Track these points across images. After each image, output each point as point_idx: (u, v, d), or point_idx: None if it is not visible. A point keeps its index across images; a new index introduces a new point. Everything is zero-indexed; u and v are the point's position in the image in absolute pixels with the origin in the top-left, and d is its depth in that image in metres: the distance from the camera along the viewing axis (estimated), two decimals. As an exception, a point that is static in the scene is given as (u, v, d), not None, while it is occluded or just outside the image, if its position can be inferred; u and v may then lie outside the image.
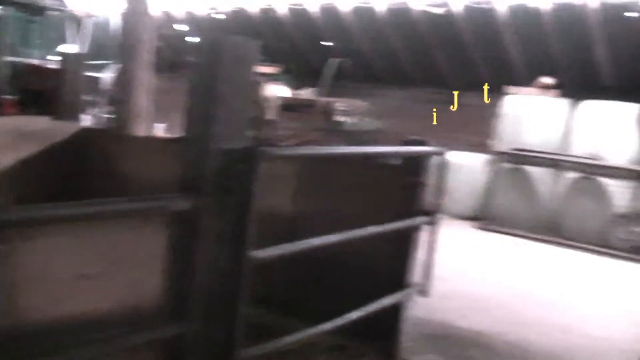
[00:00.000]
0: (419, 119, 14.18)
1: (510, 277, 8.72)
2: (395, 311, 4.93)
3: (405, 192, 4.91)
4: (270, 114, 13.95)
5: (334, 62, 14.57)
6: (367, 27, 14.23)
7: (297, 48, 15.49)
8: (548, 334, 6.69)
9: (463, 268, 8.79)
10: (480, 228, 11.82)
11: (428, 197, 5.09)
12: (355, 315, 4.26)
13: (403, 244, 4.94)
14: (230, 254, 3.38)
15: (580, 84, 12.32)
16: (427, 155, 5.00)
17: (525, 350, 6.07)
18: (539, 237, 11.34)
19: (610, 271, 9.84)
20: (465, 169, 12.51)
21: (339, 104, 13.53)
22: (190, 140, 3.37)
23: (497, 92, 12.65)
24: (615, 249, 10.79)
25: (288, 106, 13.92)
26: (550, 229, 11.59)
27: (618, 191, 11.06)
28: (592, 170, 11.30)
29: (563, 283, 8.77)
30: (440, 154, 5.04)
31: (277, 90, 14.33)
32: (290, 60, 15.73)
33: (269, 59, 15.03)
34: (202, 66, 3.34)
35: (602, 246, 10.86)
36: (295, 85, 14.88)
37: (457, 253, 9.54)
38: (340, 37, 14.69)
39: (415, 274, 5.08)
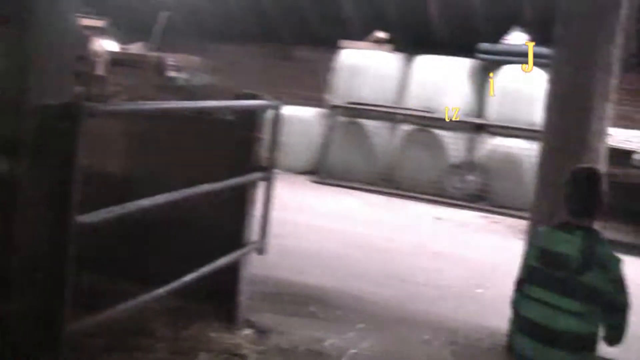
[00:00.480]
0: (254, 74, 13.93)
1: (348, 230, 8.82)
2: (233, 271, 4.84)
3: (240, 148, 4.80)
4: (99, 70, 13.42)
5: (164, 16, 14.13)
6: None
7: (125, 0, 14.91)
8: (387, 284, 6.82)
9: (301, 223, 8.80)
10: (318, 182, 11.89)
11: (263, 153, 5.01)
12: (190, 277, 4.12)
13: (239, 201, 4.84)
14: (54, 219, 3.16)
15: (414, 39, 12.48)
16: (261, 109, 4.90)
17: (364, 301, 6.14)
18: (376, 189, 11.53)
19: (446, 219, 10.12)
20: (301, 123, 12.53)
21: (171, 59, 13.17)
22: (1, 96, 3.11)
23: (331, 47, 12.66)
24: (450, 197, 11.13)
25: (117, 61, 13.41)
26: (387, 180, 11.81)
27: (452, 142, 11.38)
28: (426, 122, 11.57)
29: (401, 233, 8.95)
30: (274, 107, 4.95)
31: (106, 45, 13.77)
32: (119, 13, 15.14)
33: (95, 12, 14.40)
34: (13, 15, 3.08)
35: (438, 195, 11.17)
36: (125, 39, 14.34)
37: (295, 208, 9.56)
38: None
39: (253, 232, 5.02)
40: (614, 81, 5.28)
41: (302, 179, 12.13)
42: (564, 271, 3.26)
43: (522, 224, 9.70)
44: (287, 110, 12.15)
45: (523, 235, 9.42)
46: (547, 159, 5.48)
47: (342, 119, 12.19)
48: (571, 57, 5.30)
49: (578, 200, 3.35)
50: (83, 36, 13.34)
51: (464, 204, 10.92)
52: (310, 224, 8.86)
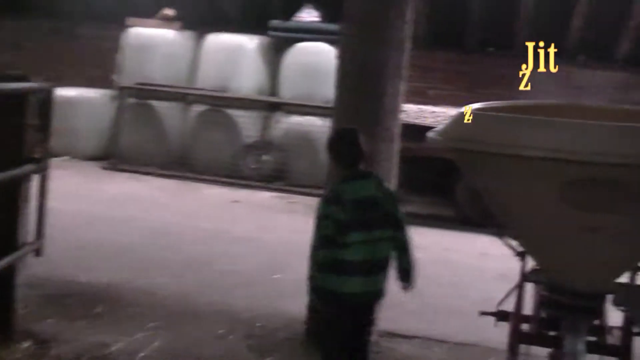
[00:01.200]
0: (35, 54, 13.08)
1: (142, 219, 8.35)
2: (5, 277, 4.29)
3: (6, 138, 4.24)
4: None
5: None
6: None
7: None
8: (182, 275, 6.47)
9: (90, 214, 8.24)
10: (109, 168, 11.24)
11: (36, 141, 4.49)
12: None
13: (9, 198, 4.29)
14: None
15: (203, 16, 12.05)
16: (29, 92, 4.35)
17: (158, 296, 5.75)
18: (170, 173, 11.05)
19: (244, 202, 9.83)
20: (89, 105, 11.85)
21: None
22: None
23: (118, 24, 11.99)
24: (246, 179, 10.84)
25: None
26: (182, 164, 11.37)
27: (246, 122, 11.08)
28: (219, 102, 11.21)
29: (197, 219, 8.57)
30: (45, 90, 4.41)
31: None
32: None
33: None
34: None
35: (234, 177, 10.85)
36: None
37: (83, 198, 8.98)
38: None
39: (30, 231, 4.49)
40: (405, 58, 5.14)
41: (92, 165, 11.41)
42: (376, 209, 3.87)
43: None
44: (73, 92, 11.64)
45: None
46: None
47: (131, 100, 11.58)
48: (362, 34, 5.09)
49: (350, 153, 3.96)
50: None
51: (261, 185, 10.68)
52: (100, 215, 8.31)
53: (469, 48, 11.53)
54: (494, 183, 3.89)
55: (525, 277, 4.35)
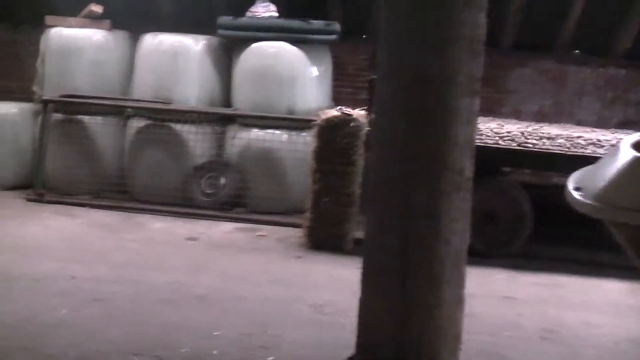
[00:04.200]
0: None
1: (64, 274, 6.45)
2: None
3: None
4: None
5: None
6: None
7: None
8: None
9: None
10: (32, 200, 9.34)
11: None
12: None
13: None
14: None
15: (137, 13, 10.27)
16: None
17: None
18: (107, 203, 9.24)
19: (200, 239, 8.08)
20: (4, 123, 9.91)
21: None
22: None
23: (35, 25, 10.12)
24: (200, 207, 9.11)
25: None
26: (121, 191, 9.59)
27: (195, 139, 9.35)
28: (162, 115, 9.42)
29: (144, 269, 6.77)
30: None
31: None
32: None
33: None
34: None
35: (185, 206, 9.12)
36: None
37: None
38: None
39: None
40: (481, 65, 3.55)
41: (12, 197, 9.47)
42: None
43: (295, 234, 8.06)
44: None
45: (301, 251, 7.90)
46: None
47: (56, 116, 9.70)
48: (417, 31, 3.46)
49: None
50: None
51: (218, 214, 8.93)
52: (12, 273, 6.45)
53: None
54: None
55: None
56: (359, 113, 7.85)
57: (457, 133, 3.44)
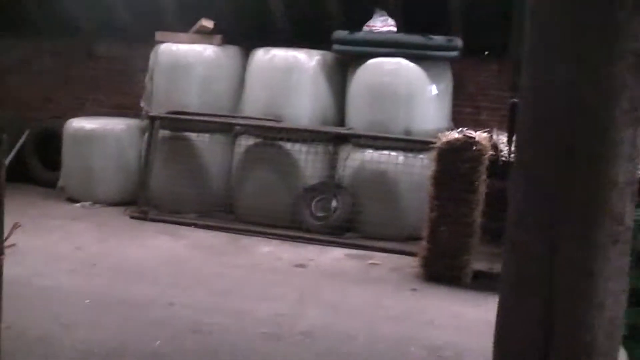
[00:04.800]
0: (47, 78, 11.17)
1: (169, 303, 6.15)
2: None
3: None
4: None
5: None
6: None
7: None
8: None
9: (99, 292, 6.20)
10: (136, 217, 9.14)
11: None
12: None
13: None
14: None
15: (250, 27, 9.97)
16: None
17: None
18: (212, 223, 8.93)
19: (309, 266, 7.64)
20: (112, 139, 9.79)
21: None
22: None
23: (144, 40, 9.93)
24: (309, 230, 8.68)
25: None
26: (227, 211, 9.32)
27: (306, 159, 8.94)
28: (272, 134, 9.05)
29: (248, 298, 6.41)
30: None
31: None
32: None
33: None
34: None
35: (294, 229, 8.71)
36: None
37: (96, 265, 6.96)
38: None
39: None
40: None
41: (117, 213, 9.36)
42: None
43: (410, 264, 7.53)
44: (93, 124, 9.61)
45: (416, 283, 7.35)
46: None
47: (164, 132, 9.49)
48: (572, 44, 2.90)
49: None
50: None
51: (328, 239, 8.47)
52: (113, 296, 6.20)
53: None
54: None
55: None
56: (481, 136, 7.25)
57: (617, 172, 2.85)
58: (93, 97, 11.01)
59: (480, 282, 7.07)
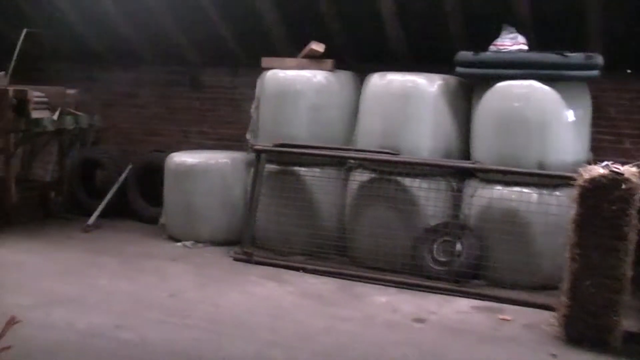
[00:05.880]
0: (152, 106, 10.85)
1: (247, 344, 5.49)
2: None
3: None
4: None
5: (29, 35, 10.65)
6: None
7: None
8: None
9: (193, 348, 5.53)
10: (239, 259, 8.54)
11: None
12: None
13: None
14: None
15: (364, 50, 9.29)
16: None
17: None
18: (321, 268, 8.21)
19: (430, 319, 6.80)
20: (214, 175, 9.27)
21: (36, 93, 9.77)
22: None
23: (251, 67, 9.38)
24: (430, 277, 7.83)
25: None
26: (338, 253, 8.59)
27: (427, 195, 8.11)
28: (389, 168, 8.26)
29: (338, 348, 5.67)
30: None
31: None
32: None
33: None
34: None
35: (413, 274, 7.91)
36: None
37: (192, 315, 6.29)
38: (38, 2, 10.73)
39: None
40: None
41: (220, 254, 8.81)
42: None
43: (546, 320, 6.57)
44: (196, 158, 9.13)
45: (555, 345, 6.38)
46: None
47: (271, 166, 8.89)
48: None
49: None
50: None
51: (453, 288, 7.60)
52: (194, 352, 5.56)
53: None
54: None
55: None
56: (630, 170, 6.22)
57: None
58: (198, 128, 10.57)
59: (633, 347, 6.07)
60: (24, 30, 10.50)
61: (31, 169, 11.16)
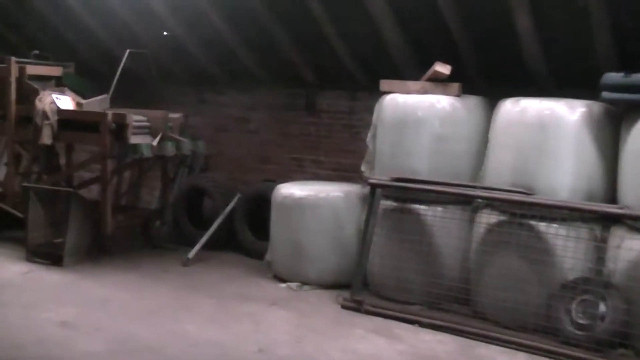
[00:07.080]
0: (265, 131, 10.21)
1: None
2: None
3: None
4: (46, 137, 9.63)
5: (134, 56, 10.22)
6: (182, 8, 9.86)
7: (91, 37, 11.08)
8: None
9: None
10: (348, 307, 7.68)
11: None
12: None
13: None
14: None
15: (495, 72, 8.32)
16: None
17: None
18: (441, 322, 7.22)
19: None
20: (325, 210, 8.47)
21: (136, 117, 9.26)
22: None
23: (371, 90, 8.56)
24: (567, 341, 6.72)
25: (67, 123, 9.62)
26: (460, 304, 7.62)
27: (565, 244, 7.00)
28: (522, 210, 7.21)
29: None
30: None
31: (60, 101, 9.93)
32: (81, 55, 11.40)
33: (51, 55, 10.74)
34: None
35: (547, 335, 6.83)
36: (91, 90, 10.53)
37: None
38: (146, 20, 10.28)
39: None
40: None
41: (327, 298, 8.00)
42: None
43: None
44: (301, 190, 8.34)
45: None
46: None
47: (387, 203, 8.01)
48: None
49: None
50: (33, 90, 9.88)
51: (594, 357, 6.46)
52: None
53: None
54: None
55: None
56: None
57: None
58: (312, 157, 9.84)
59: None
60: (127, 51, 10.05)
61: (138, 195, 10.71)
